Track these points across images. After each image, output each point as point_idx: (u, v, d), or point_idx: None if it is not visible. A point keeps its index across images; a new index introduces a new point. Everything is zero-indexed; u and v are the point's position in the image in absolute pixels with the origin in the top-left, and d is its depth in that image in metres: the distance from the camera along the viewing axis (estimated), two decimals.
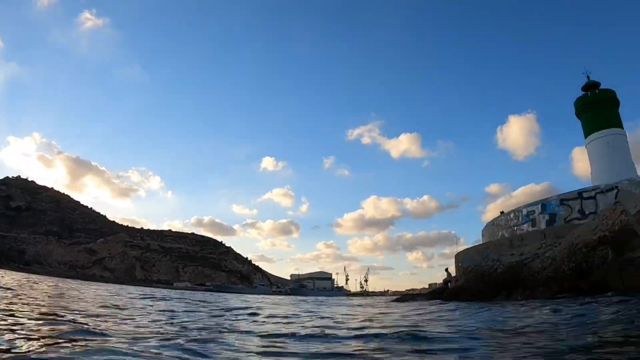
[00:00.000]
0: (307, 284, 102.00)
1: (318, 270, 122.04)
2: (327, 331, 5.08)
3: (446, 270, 20.22)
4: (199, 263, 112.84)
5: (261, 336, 4.60)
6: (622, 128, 21.25)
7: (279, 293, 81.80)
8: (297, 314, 8.70)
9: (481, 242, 21.95)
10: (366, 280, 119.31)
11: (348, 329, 5.42)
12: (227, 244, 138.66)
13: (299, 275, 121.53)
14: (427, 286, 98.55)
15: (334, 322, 6.84)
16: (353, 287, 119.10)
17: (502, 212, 21.08)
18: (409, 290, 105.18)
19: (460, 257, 18.74)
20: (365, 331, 5.02)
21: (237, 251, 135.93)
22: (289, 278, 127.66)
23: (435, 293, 15.31)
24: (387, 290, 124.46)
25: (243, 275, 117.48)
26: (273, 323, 6.62)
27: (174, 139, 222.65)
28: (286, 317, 7.90)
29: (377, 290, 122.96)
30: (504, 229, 19.53)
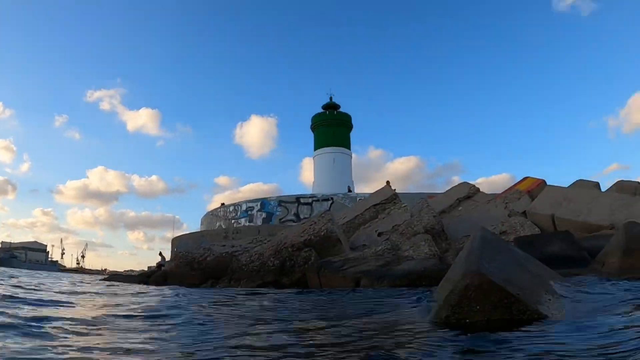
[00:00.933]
0: (19, 255, 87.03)
1: (33, 240, 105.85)
2: None
3: (160, 253, 18.07)
4: None
5: None
6: (350, 149, 23.91)
7: None
8: None
9: (199, 230, 20.57)
10: (83, 256, 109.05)
11: None
12: None
13: (10, 243, 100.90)
14: (146, 268, 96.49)
15: None
16: (69, 262, 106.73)
17: (222, 204, 20.34)
18: (128, 270, 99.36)
19: (176, 242, 17.52)
20: None
21: None
22: None
23: (144, 276, 13.93)
24: (105, 269, 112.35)
25: None
26: None
27: None
28: None
29: (94, 268, 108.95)
30: (222, 220, 18.75)
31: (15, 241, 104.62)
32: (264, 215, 17.14)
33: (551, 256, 6.45)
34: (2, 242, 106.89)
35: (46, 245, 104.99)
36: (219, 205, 20.55)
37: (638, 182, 12.07)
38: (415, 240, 10.64)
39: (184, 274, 11.75)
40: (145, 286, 10.90)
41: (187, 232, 18.35)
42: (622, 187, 11.62)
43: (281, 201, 17.50)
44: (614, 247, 5.38)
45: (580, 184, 14.63)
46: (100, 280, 15.30)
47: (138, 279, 13.58)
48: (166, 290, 8.72)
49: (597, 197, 10.33)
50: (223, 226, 18.25)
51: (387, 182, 21.40)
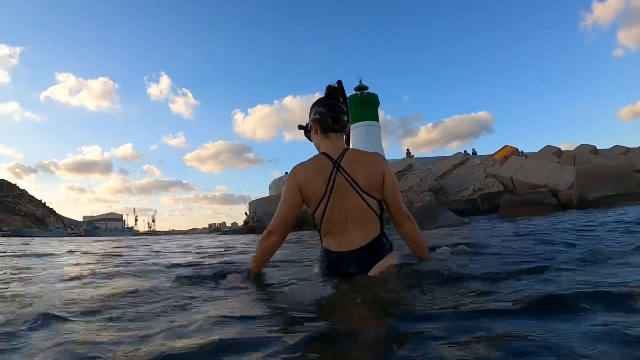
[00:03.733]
0: (100, 226, 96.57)
1: (110, 212, 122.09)
2: None
3: (245, 213, 24.18)
4: None
5: None
6: (378, 121, 28.77)
7: (74, 235, 73.78)
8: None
9: (268, 195, 26.49)
10: (154, 221, 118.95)
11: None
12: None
13: (92, 217, 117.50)
14: (207, 226, 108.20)
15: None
16: (142, 227, 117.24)
17: (286, 173, 25.78)
18: (192, 229, 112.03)
19: (253, 205, 22.70)
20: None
21: (31, 194, 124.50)
22: (81, 220, 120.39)
23: (249, 229, 18.57)
24: (172, 230, 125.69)
25: (38, 218, 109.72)
26: None
27: None
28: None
29: (162, 230, 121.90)
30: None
31: (96, 214, 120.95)
32: None
33: (491, 206, 11.87)
34: (84, 216, 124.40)
35: (121, 215, 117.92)
36: (284, 173, 26.22)
37: (559, 147, 16.73)
38: (422, 196, 16.00)
39: None
40: (256, 235, 16.09)
41: (262, 197, 23.91)
42: (548, 151, 16.33)
43: None
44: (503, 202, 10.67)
45: (546, 149, 19.33)
46: (219, 234, 20.71)
47: (245, 231, 19.31)
48: None
49: (541, 165, 15.13)
50: None
51: (407, 150, 26.51)
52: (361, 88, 29.41)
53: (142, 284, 2.08)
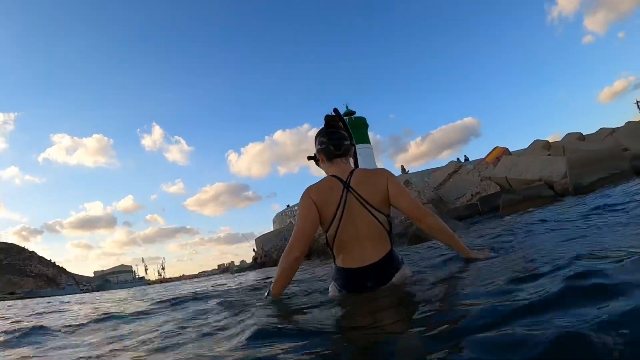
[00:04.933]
0: (111, 279, 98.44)
1: (119, 264, 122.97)
2: None
3: (254, 250, 24.20)
4: (5, 271, 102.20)
5: None
6: (369, 143, 29.04)
7: (87, 290, 72.99)
8: None
9: (272, 229, 26.42)
10: (163, 268, 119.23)
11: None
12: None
13: (102, 271, 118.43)
14: (216, 267, 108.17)
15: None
16: (152, 276, 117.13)
17: (288, 205, 25.94)
18: (201, 272, 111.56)
19: (260, 240, 22.77)
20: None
21: (40, 255, 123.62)
22: (92, 275, 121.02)
23: (260, 264, 18.72)
24: (183, 275, 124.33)
25: (49, 278, 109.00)
26: None
27: None
28: None
29: (173, 276, 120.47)
30: (291, 217, 24.21)
31: (106, 268, 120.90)
32: None
33: (491, 208, 11.83)
34: (95, 271, 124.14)
35: (131, 266, 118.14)
36: (285, 207, 26.35)
37: (547, 140, 16.88)
38: None
39: None
40: (267, 269, 16.24)
41: (267, 232, 23.93)
42: (537, 145, 16.47)
43: None
44: (502, 202, 10.66)
45: (535, 144, 19.47)
46: (231, 274, 20.94)
47: (257, 266, 19.27)
48: None
49: (532, 160, 15.20)
50: (293, 222, 23.89)
51: (402, 166, 26.64)
52: (349, 113, 29.81)
53: None
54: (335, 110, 2.09)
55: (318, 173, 2.08)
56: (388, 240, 1.87)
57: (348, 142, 2.05)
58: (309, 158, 2.15)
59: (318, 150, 2.07)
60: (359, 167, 2.09)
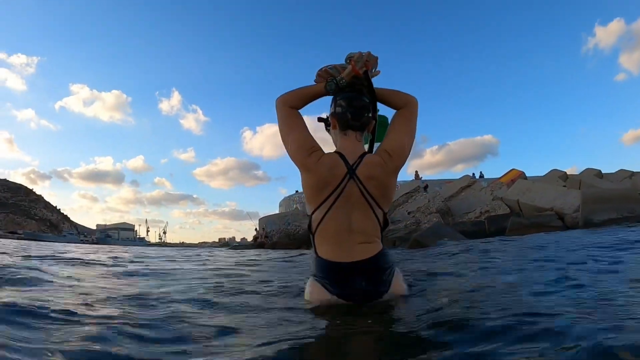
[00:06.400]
0: (112, 234, 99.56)
1: (122, 222, 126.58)
2: None
3: (256, 229, 24.20)
4: (10, 210, 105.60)
5: None
6: None
7: (86, 242, 74.46)
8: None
9: (278, 212, 26.69)
10: (165, 233, 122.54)
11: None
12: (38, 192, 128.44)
13: (105, 225, 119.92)
14: (217, 240, 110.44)
15: None
16: (153, 238, 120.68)
17: (297, 191, 26.19)
18: (202, 242, 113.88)
19: (264, 221, 22.86)
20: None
21: (47, 199, 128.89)
22: (94, 228, 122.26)
23: (259, 245, 18.60)
24: (183, 242, 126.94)
25: (52, 224, 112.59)
26: None
27: None
28: None
29: (173, 242, 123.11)
30: (298, 203, 24.42)
31: (109, 223, 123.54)
32: None
33: (497, 229, 11.87)
34: (97, 224, 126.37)
35: (134, 225, 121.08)
36: (294, 192, 26.59)
37: (565, 171, 16.74)
38: (430, 217, 15.98)
39: (285, 242, 16.60)
40: (264, 250, 16.25)
41: (272, 214, 24.15)
42: (554, 175, 16.34)
43: None
44: (509, 225, 10.69)
45: (552, 173, 19.28)
46: (228, 249, 21.21)
47: (255, 246, 19.42)
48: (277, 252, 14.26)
49: (546, 188, 15.10)
50: (299, 208, 24.07)
51: (416, 172, 26.55)
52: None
53: None
54: (365, 71, 1.71)
55: (324, 144, 1.74)
56: (380, 237, 1.68)
57: (370, 115, 1.73)
58: (320, 120, 1.85)
59: (332, 114, 1.74)
60: (373, 151, 1.77)
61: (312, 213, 1.65)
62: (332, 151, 1.72)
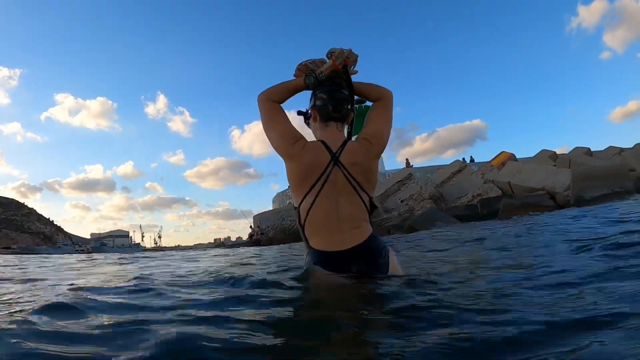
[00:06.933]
0: (107, 242, 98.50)
1: (117, 229, 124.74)
2: None
3: (250, 227, 24.29)
4: (2, 226, 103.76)
5: None
6: None
7: (82, 252, 73.57)
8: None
9: (272, 208, 26.59)
10: (160, 237, 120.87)
11: None
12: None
13: (99, 234, 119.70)
14: (212, 241, 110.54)
15: None
16: (148, 243, 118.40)
17: (289, 187, 26.02)
18: (197, 244, 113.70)
19: (258, 218, 22.88)
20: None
21: (40, 212, 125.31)
22: (89, 237, 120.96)
23: (254, 242, 18.69)
24: (178, 245, 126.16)
25: (46, 236, 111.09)
26: None
27: None
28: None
29: (169, 246, 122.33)
30: (291, 199, 24.30)
31: (103, 231, 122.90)
32: None
33: (490, 211, 11.90)
34: (92, 233, 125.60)
35: (128, 232, 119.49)
36: (287, 187, 26.51)
37: (554, 151, 16.87)
38: (423, 203, 15.99)
39: (280, 238, 16.92)
40: (260, 247, 16.40)
41: (266, 210, 24.08)
42: (544, 155, 16.45)
43: None
44: (502, 206, 10.71)
45: (542, 154, 19.40)
46: (224, 248, 21.19)
47: (250, 244, 19.40)
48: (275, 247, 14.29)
49: (537, 168, 15.17)
50: (292, 203, 24.09)
51: (407, 160, 26.59)
52: (359, 101, 29.55)
53: None
54: (344, 66, 1.74)
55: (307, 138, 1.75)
56: (369, 222, 1.69)
57: (349, 107, 1.79)
58: (299, 113, 1.86)
59: (312, 107, 1.77)
60: (352, 139, 1.79)
61: (300, 204, 1.67)
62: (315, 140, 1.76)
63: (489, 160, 21.18)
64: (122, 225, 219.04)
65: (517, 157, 20.35)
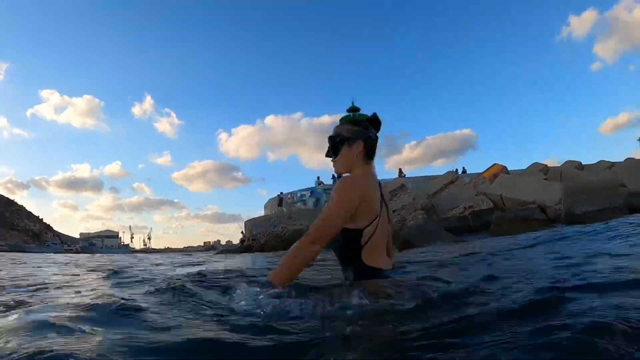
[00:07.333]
0: (96, 242, 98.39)
1: (105, 229, 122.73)
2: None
3: (242, 232, 24.00)
4: None
5: None
6: None
7: (70, 251, 72.42)
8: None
9: (263, 214, 26.35)
10: (149, 238, 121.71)
11: None
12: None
13: (88, 233, 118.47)
14: (202, 244, 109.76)
15: None
16: (137, 244, 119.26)
17: (281, 192, 25.91)
18: (187, 247, 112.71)
19: (249, 224, 22.62)
20: None
21: (29, 209, 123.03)
22: (78, 236, 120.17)
23: (246, 248, 18.55)
24: (168, 247, 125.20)
25: (35, 234, 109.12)
26: None
27: None
28: None
29: (157, 247, 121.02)
30: (284, 206, 24.20)
31: (92, 231, 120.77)
32: (314, 199, 22.62)
33: (482, 224, 11.89)
34: (81, 233, 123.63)
35: (117, 232, 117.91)
36: (279, 193, 26.41)
37: (545, 164, 16.99)
38: (415, 214, 15.97)
39: (272, 245, 16.75)
40: (252, 253, 16.35)
41: (258, 216, 23.88)
42: (535, 168, 16.55)
43: (325, 189, 22.94)
44: (494, 220, 10.70)
45: (533, 167, 19.53)
46: (216, 253, 20.86)
47: (241, 250, 19.19)
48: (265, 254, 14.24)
49: (529, 182, 15.25)
50: (284, 210, 23.89)
51: (400, 169, 26.61)
52: (354, 109, 29.61)
53: None
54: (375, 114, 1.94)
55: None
56: None
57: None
58: (333, 138, 1.85)
59: (365, 141, 1.80)
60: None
61: (366, 227, 1.71)
62: (362, 174, 1.82)
63: (480, 171, 21.29)
64: (110, 225, 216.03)
65: (509, 169, 20.48)
